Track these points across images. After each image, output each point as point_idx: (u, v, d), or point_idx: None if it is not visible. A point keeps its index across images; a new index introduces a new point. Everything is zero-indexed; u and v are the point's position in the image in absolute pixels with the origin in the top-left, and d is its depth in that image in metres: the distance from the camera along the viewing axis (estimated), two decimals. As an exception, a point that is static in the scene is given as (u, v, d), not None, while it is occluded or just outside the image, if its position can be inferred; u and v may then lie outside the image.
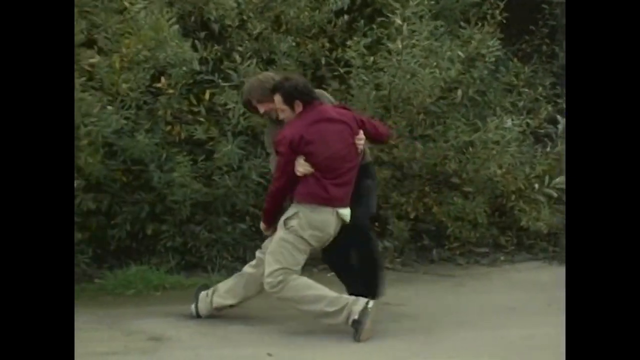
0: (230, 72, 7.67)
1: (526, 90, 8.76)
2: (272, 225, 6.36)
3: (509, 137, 8.01)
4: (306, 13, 8.06)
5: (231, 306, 6.50)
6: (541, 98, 8.76)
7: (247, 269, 6.48)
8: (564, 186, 7.32)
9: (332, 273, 6.73)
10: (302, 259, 6.14)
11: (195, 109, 7.79)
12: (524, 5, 9.42)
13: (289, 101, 6.11)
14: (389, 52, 7.75)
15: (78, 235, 7.14)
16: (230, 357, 5.82)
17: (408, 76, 7.76)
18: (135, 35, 7.00)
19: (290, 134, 6.02)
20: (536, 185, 8.31)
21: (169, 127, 7.77)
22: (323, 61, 8.23)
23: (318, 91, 6.49)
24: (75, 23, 6.74)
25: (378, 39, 8.01)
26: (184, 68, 7.43)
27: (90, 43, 7.13)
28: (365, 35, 8.04)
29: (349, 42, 7.96)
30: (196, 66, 7.48)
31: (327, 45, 8.26)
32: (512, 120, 8.15)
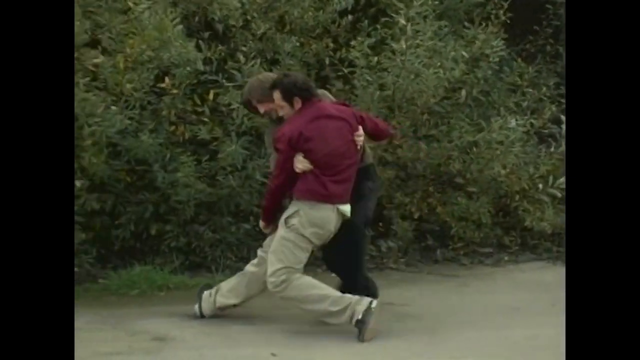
0: (234, 72, 7.67)
1: (530, 90, 8.75)
2: (271, 223, 6.36)
3: (513, 137, 8.00)
4: (310, 13, 8.06)
5: (234, 306, 6.50)
6: (545, 98, 8.76)
7: (249, 267, 6.48)
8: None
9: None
10: (304, 257, 6.13)
11: (199, 109, 7.79)
12: (528, 6, 9.41)
13: (287, 98, 6.10)
14: (393, 52, 7.75)
15: (82, 236, 7.15)
16: (234, 357, 5.82)
17: (412, 76, 7.76)
18: (139, 36, 7.00)
19: (289, 131, 6.01)
20: (540, 186, 8.31)
21: (173, 127, 7.77)
22: (327, 61, 8.23)
23: (319, 91, 6.48)
24: (79, 23, 6.77)
25: (382, 39, 8.01)
26: (188, 68, 7.44)
27: (94, 43, 7.14)
28: (369, 35, 8.04)
29: (353, 42, 7.96)
30: (200, 66, 7.48)
31: (331, 45, 8.25)
32: (516, 120, 8.14)
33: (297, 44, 8.00)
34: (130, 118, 7.17)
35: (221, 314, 6.52)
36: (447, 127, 8.26)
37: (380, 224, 8.41)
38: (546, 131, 8.75)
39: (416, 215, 8.31)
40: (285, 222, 6.10)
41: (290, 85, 6.10)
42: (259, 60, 7.68)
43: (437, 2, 8.06)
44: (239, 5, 7.72)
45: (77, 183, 7.04)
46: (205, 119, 7.75)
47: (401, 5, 7.75)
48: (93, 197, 7.33)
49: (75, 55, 6.80)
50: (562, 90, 9.13)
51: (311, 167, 6.02)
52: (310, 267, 6.51)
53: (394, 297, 6.88)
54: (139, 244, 7.87)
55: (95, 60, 6.96)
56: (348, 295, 6.11)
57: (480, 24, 8.40)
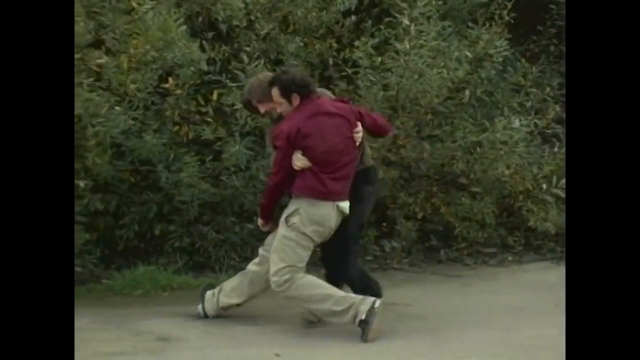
0: (238, 72, 7.67)
1: (534, 90, 8.75)
2: (269, 220, 6.37)
3: (517, 137, 8.00)
4: (314, 13, 8.06)
5: (237, 305, 6.50)
6: (549, 98, 8.75)
7: (251, 267, 6.47)
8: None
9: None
10: (306, 255, 6.13)
11: (203, 110, 7.80)
12: (532, 6, 9.41)
13: (286, 94, 6.09)
14: (397, 52, 7.75)
15: (86, 236, 7.15)
16: (238, 357, 5.82)
17: (416, 76, 7.76)
18: (143, 36, 7.00)
19: (287, 128, 6.00)
20: (544, 186, 8.31)
21: (176, 128, 7.78)
22: (331, 61, 8.23)
23: (319, 90, 6.48)
24: (83, 24, 6.77)
25: (386, 40, 8.01)
26: (192, 68, 7.44)
27: (98, 43, 7.14)
28: (372, 35, 8.04)
29: (356, 43, 7.96)
30: (204, 66, 7.48)
31: (335, 45, 8.26)
32: (520, 120, 8.14)
33: (301, 44, 8.00)
34: (134, 118, 7.18)
35: (224, 314, 6.53)
36: (451, 127, 8.26)
37: (384, 224, 8.41)
38: (550, 131, 8.75)
39: (420, 216, 8.31)
40: (286, 220, 6.10)
41: (288, 82, 6.09)
42: (262, 61, 7.68)
43: (440, 3, 8.06)
44: (242, 5, 7.73)
45: (81, 183, 7.05)
46: (209, 119, 7.75)
47: (405, 5, 7.74)
48: (97, 197, 7.33)
49: (79, 55, 6.82)
50: (566, 90, 9.15)
51: (310, 164, 6.02)
52: (314, 268, 6.50)
53: (397, 297, 6.88)
54: (142, 244, 7.88)
55: (99, 61, 6.96)
56: (351, 295, 6.11)
57: (484, 24, 8.40)
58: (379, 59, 7.90)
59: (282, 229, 6.13)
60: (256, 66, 7.60)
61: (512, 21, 8.51)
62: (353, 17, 8.28)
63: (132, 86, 7.04)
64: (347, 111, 6.18)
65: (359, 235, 6.61)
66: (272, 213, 6.33)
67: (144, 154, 7.49)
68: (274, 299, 6.43)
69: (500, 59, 8.35)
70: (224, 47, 7.81)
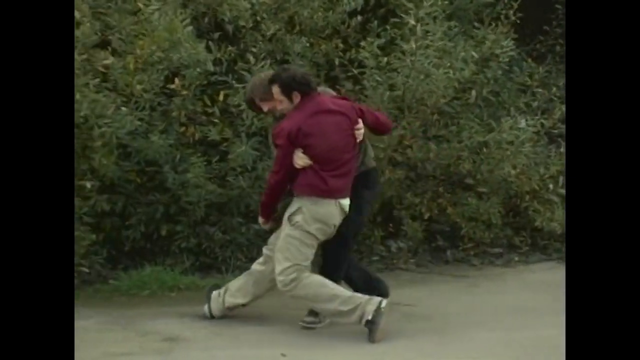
0: (244, 73, 7.67)
1: (540, 90, 8.73)
2: (270, 218, 6.38)
3: (523, 137, 7.99)
4: (320, 14, 8.05)
5: (243, 305, 6.50)
6: (555, 98, 8.74)
7: (256, 266, 6.48)
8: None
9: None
10: (310, 253, 6.13)
11: (209, 110, 7.79)
12: (538, 6, 9.40)
13: (286, 92, 6.09)
14: (403, 52, 7.74)
15: (92, 237, 7.16)
16: (245, 357, 5.83)
17: (422, 77, 7.74)
18: (149, 37, 7.01)
19: (288, 127, 6.00)
20: (550, 186, 8.30)
21: (183, 128, 7.78)
22: (337, 62, 8.21)
23: (320, 89, 6.48)
24: (89, 24, 6.79)
25: (392, 40, 8.00)
26: (198, 69, 7.43)
27: (104, 44, 7.15)
28: (378, 35, 8.04)
29: (362, 43, 7.95)
30: (210, 67, 7.48)
31: (341, 46, 8.24)
32: (526, 120, 8.12)
33: (307, 44, 7.99)
34: (141, 119, 7.17)
35: (230, 314, 6.53)
36: (457, 128, 8.25)
37: (390, 224, 8.41)
38: (556, 131, 8.73)
39: (426, 216, 8.30)
40: (289, 219, 6.10)
41: (289, 80, 6.08)
42: (268, 61, 7.66)
43: (446, 3, 8.04)
44: (248, 6, 7.72)
45: (88, 184, 7.07)
46: (215, 120, 7.75)
47: (411, 5, 7.73)
48: (103, 198, 7.34)
49: (86, 56, 6.84)
50: (572, 90, 9.13)
51: (311, 162, 6.02)
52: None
53: (403, 298, 6.88)
54: (149, 244, 7.89)
55: (106, 62, 6.97)
56: (358, 295, 6.11)
57: (490, 24, 8.39)
58: (385, 59, 7.89)
59: (285, 228, 6.13)
60: (262, 67, 7.58)
61: (518, 21, 8.49)
62: (359, 18, 8.27)
63: (138, 87, 7.05)
64: (348, 108, 6.17)
65: (355, 238, 6.62)
66: (273, 211, 6.34)
67: (151, 154, 7.49)
68: (280, 299, 6.44)
69: (507, 59, 8.34)
70: (230, 48, 7.80)
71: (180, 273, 7.53)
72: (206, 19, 7.95)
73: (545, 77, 8.96)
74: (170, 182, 7.63)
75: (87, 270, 7.29)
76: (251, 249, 7.83)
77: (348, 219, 6.22)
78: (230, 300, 6.50)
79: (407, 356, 5.81)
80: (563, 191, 8.16)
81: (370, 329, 5.98)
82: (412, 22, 7.65)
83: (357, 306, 6.01)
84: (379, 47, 7.90)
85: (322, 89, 6.52)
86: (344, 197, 6.13)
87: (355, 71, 8.09)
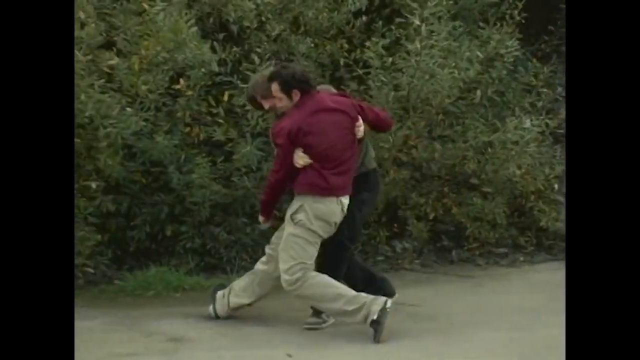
0: (249, 73, 7.66)
1: (545, 90, 8.73)
2: (270, 217, 6.39)
3: (528, 137, 7.99)
4: (325, 14, 8.05)
5: (248, 305, 6.50)
6: (560, 98, 8.74)
7: (259, 266, 6.48)
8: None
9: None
10: (314, 251, 6.13)
11: (214, 111, 7.80)
12: (543, 6, 9.38)
13: (286, 90, 6.08)
14: (408, 52, 7.73)
15: (97, 237, 7.17)
16: (251, 358, 5.83)
17: (427, 77, 7.74)
18: (154, 37, 7.01)
19: (288, 126, 5.99)
20: (555, 186, 8.31)
21: (187, 129, 7.79)
22: (342, 62, 8.22)
23: (321, 87, 6.48)
24: (94, 25, 6.79)
25: (396, 40, 8.00)
26: (203, 69, 7.44)
27: (109, 45, 7.15)
28: (383, 36, 8.03)
29: (367, 43, 7.95)
30: (215, 68, 7.48)
31: (346, 46, 8.25)
32: (531, 120, 8.12)
33: (312, 45, 8.00)
34: (146, 119, 7.18)
35: (235, 315, 6.54)
36: (462, 128, 8.25)
37: (395, 224, 8.42)
38: (561, 131, 8.71)
39: (431, 216, 8.31)
40: (292, 218, 6.09)
41: (288, 77, 6.07)
42: (273, 62, 7.67)
43: (451, 3, 8.04)
44: (253, 6, 7.72)
45: (93, 184, 7.09)
46: (220, 120, 7.76)
47: (415, 5, 7.73)
48: (108, 198, 7.35)
49: (91, 57, 6.84)
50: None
51: (311, 161, 6.02)
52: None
53: (408, 298, 6.87)
54: (154, 245, 7.89)
55: (111, 62, 6.97)
56: (363, 295, 6.09)
57: (495, 24, 8.38)
58: (390, 59, 7.89)
59: (289, 228, 6.13)
60: (267, 67, 7.59)
61: (523, 21, 8.49)
62: (364, 18, 8.27)
63: (143, 87, 7.05)
64: (347, 106, 6.16)
65: (354, 240, 6.61)
66: (273, 209, 6.35)
67: (156, 155, 7.50)
68: (285, 300, 6.44)
69: (512, 59, 8.34)
70: (235, 48, 7.81)
71: (185, 273, 7.53)
72: (211, 20, 7.95)
73: (550, 77, 8.95)
74: (175, 183, 7.64)
75: (92, 270, 7.30)
76: (256, 249, 7.83)
77: (347, 220, 6.22)
78: (235, 301, 6.50)
79: (412, 356, 5.81)
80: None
81: (376, 329, 5.97)
82: (417, 22, 7.65)
83: (362, 306, 6.01)
84: (383, 47, 7.90)
85: (322, 87, 6.51)
86: (345, 194, 6.13)
87: (360, 71, 8.09)
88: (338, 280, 6.25)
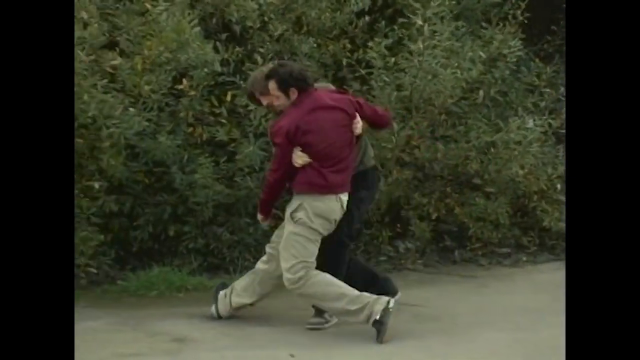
0: (252, 73, 7.66)
1: (548, 90, 8.72)
2: (269, 215, 6.40)
3: (531, 137, 7.98)
4: (327, 14, 8.05)
5: (251, 304, 6.50)
6: (563, 98, 8.71)
7: (260, 265, 6.48)
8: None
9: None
10: (315, 249, 6.12)
11: (217, 111, 7.80)
12: (546, 5, 9.38)
13: (283, 88, 6.06)
14: (410, 52, 7.73)
15: (100, 237, 7.17)
16: (254, 358, 5.84)
17: (429, 77, 7.74)
18: (157, 37, 7.02)
19: (286, 125, 5.98)
20: (558, 186, 8.30)
21: (190, 129, 7.78)
22: (344, 62, 8.21)
23: (322, 84, 6.47)
24: (97, 25, 6.80)
25: (399, 40, 8.00)
26: (206, 70, 7.44)
27: (112, 45, 7.16)
28: (386, 36, 8.03)
29: (370, 43, 7.95)
30: (218, 68, 7.48)
31: (348, 46, 8.24)
32: (534, 120, 8.12)
33: (315, 45, 7.99)
34: (148, 120, 7.18)
35: (238, 314, 6.54)
36: (465, 128, 8.25)
37: (398, 224, 8.41)
38: (564, 131, 8.68)
39: (434, 216, 8.30)
40: (292, 217, 6.09)
41: (286, 75, 6.06)
42: (276, 62, 7.66)
43: (454, 3, 8.04)
44: (256, 6, 7.72)
45: (96, 184, 7.09)
46: (223, 120, 7.75)
47: (418, 5, 7.73)
48: (111, 198, 7.35)
49: (94, 57, 6.85)
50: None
51: (310, 160, 6.01)
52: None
53: (411, 298, 6.87)
54: (157, 245, 7.89)
55: (113, 62, 6.98)
56: (366, 294, 6.08)
57: (498, 24, 8.38)
58: (393, 59, 7.89)
59: (288, 226, 6.13)
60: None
61: (525, 21, 8.48)
62: (366, 18, 8.26)
63: (146, 87, 7.05)
64: (345, 103, 6.15)
65: (354, 238, 6.61)
66: (272, 208, 6.37)
67: (158, 155, 7.50)
68: (288, 300, 6.45)
69: (514, 59, 8.34)
70: (237, 48, 7.80)
71: (188, 274, 7.53)
72: (214, 20, 7.95)
73: (553, 77, 8.94)
74: (178, 183, 7.64)
75: (95, 271, 7.30)
76: (259, 249, 7.81)
77: (346, 219, 6.22)
78: (237, 300, 6.50)
79: (415, 357, 5.81)
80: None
81: (379, 330, 5.97)
82: (420, 22, 7.65)
83: (365, 305, 6.00)
84: (386, 47, 7.90)
85: (320, 84, 6.50)
86: (343, 192, 6.13)
87: (363, 71, 8.09)
88: (339, 279, 6.25)
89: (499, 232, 8.35)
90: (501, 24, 8.36)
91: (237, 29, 8.00)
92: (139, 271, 7.54)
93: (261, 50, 7.82)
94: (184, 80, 7.55)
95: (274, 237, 6.41)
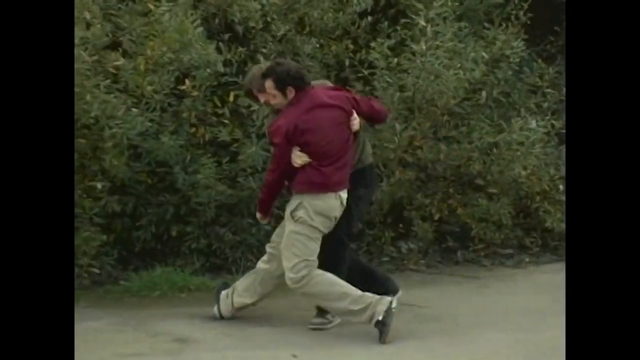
0: (250, 69, 7.68)
1: (550, 91, 8.71)
2: (268, 215, 6.41)
3: (534, 138, 7.98)
4: (330, 14, 8.06)
5: (253, 304, 6.50)
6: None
7: (261, 265, 6.48)
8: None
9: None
10: (316, 247, 6.12)
11: (220, 111, 7.80)
12: (548, 6, 9.37)
13: (280, 87, 6.05)
14: (413, 53, 7.74)
15: (103, 237, 7.17)
16: (256, 359, 5.84)
17: (432, 77, 7.75)
18: (160, 38, 7.02)
19: (285, 124, 5.97)
20: (561, 187, 8.29)
21: (193, 129, 7.78)
22: (347, 63, 8.22)
23: (319, 81, 6.47)
24: (100, 26, 6.81)
25: (402, 41, 8.00)
26: (208, 70, 7.44)
27: (115, 45, 7.17)
28: (389, 36, 8.03)
29: (372, 44, 7.95)
30: (220, 68, 7.48)
31: (351, 46, 8.25)
32: (537, 121, 8.12)
33: (317, 45, 8.00)
34: (151, 120, 7.18)
35: (240, 315, 6.54)
36: (468, 128, 8.24)
37: (401, 225, 8.40)
38: (566, 132, 8.71)
39: (436, 217, 8.29)
40: (292, 216, 6.08)
41: (283, 74, 6.04)
42: (273, 60, 7.66)
43: (456, 3, 8.04)
44: (258, 7, 7.73)
45: (98, 185, 7.09)
46: (226, 121, 7.75)
47: (421, 6, 7.73)
48: (114, 199, 7.35)
49: (96, 57, 6.86)
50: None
51: (309, 160, 6.01)
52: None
53: (414, 299, 6.87)
54: (159, 245, 7.89)
55: (116, 63, 6.99)
56: (369, 295, 6.08)
57: (500, 24, 8.38)
58: (395, 60, 7.89)
59: (289, 225, 6.12)
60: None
61: (528, 22, 8.48)
62: (369, 18, 8.26)
63: (149, 88, 7.06)
64: (342, 100, 6.14)
65: (353, 236, 6.61)
66: (271, 208, 6.38)
67: (161, 155, 7.50)
68: (290, 300, 6.45)
69: (517, 60, 8.34)
70: (240, 49, 7.80)
71: (190, 274, 7.53)
72: (216, 20, 7.95)
73: (556, 77, 8.92)
74: (180, 183, 7.64)
75: (97, 271, 7.30)
76: (261, 249, 7.77)
77: (345, 217, 6.22)
78: (238, 300, 6.50)
79: (417, 357, 5.81)
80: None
81: (381, 330, 5.97)
82: (422, 22, 7.65)
83: (368, 306, 6.00)
84: (389, 47, 7.89)
85: (318, 81, 6.50)
86: (342, 189, 6.12)
87: (366, 72, 8.09)
88: (340, 277, 6.25)
89: (502, 233, 8.34)
90: (504, 25, 8.36)
91: (239, 29, 8.00)
92: (141, 271, 7.53)
93: (264, 50, 7.83)
94: (187, 81, 7.55)
95: (274, 237, 6.42)
